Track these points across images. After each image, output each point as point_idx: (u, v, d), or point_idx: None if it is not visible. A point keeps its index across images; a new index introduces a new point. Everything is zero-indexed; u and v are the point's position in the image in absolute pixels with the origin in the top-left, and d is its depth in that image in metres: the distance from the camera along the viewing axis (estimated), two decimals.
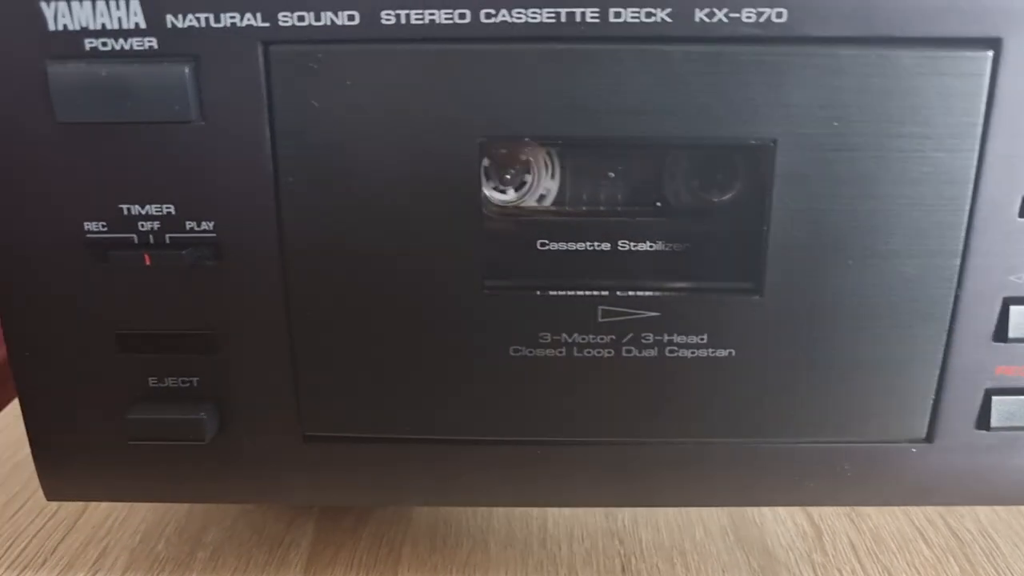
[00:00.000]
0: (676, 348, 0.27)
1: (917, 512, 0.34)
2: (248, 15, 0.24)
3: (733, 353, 0.27)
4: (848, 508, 0.35)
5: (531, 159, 0.29)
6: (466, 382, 0.27)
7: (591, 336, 0.27)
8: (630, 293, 0.27)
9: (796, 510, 0.35)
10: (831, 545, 0.33)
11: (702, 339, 0.27)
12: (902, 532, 0.33)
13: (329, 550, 0.32)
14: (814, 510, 0.35)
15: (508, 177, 0.29)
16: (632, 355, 0.27)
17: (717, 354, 0.27)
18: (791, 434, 0.28)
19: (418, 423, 0.28)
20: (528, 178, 0.29)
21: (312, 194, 0.26)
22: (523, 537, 0.33)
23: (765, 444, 0.29)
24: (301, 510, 0.34)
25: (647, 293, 0.26)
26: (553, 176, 0.29)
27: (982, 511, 0.34)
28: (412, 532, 0.33)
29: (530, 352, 0.27)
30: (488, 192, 0.29)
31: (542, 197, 0.29)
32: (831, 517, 0.34)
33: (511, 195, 0.29)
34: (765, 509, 0.35)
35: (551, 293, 0.27)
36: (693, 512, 0.34)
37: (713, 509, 0.34)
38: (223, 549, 0.32)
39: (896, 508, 0.35)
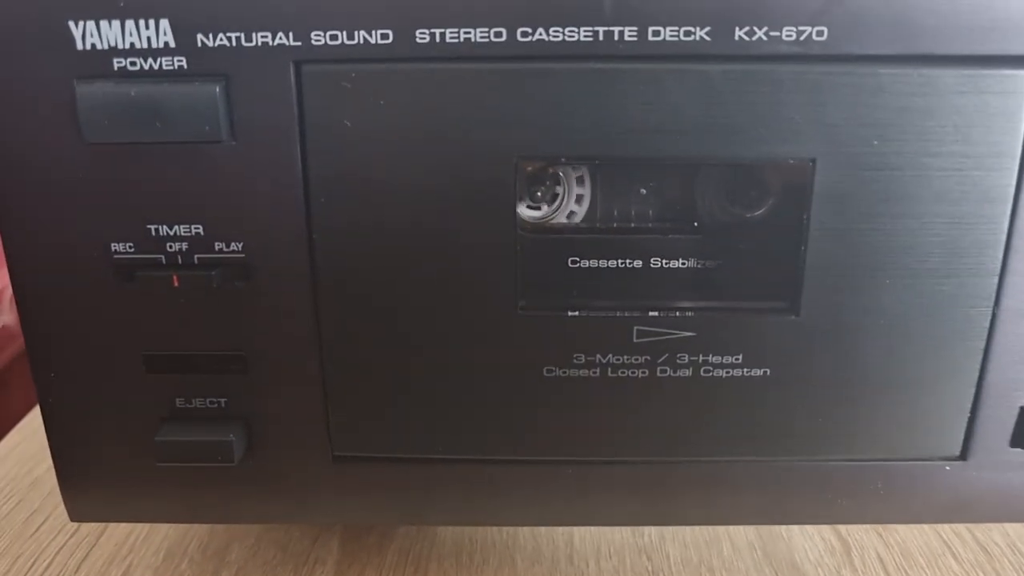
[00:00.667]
0: (711, 368, 0.27)
1: (945, 526, 0.34)
2: (280, 34, 0.24)
3: (768, 372, 0.27)
4: None
5: (562, 175, 0.28)
6: (499, 403, 0.27)
7: (625, 356, 0.27)
8: (666, 313, 0.26)
9: (823, 524, 0.35)
10: (860, 560, 0.33)
11: (737, 359, 0.27)
12: (930, 547, 0.33)
13: (355, 567, 0.32)
14: (841, 524, 0.34)
15: (539, 194, 0.28)
16: (667, 375, 0.27)
17: (752, 373, 0.27)
18: (825, 452, 0.28)
19: (449, 444, 0.28)
20: (559, 194, 0.29)
21: (344, 214, 0.25)
22: (550, 554, 0.33)
23: (799, 462, 0.28)
24: (325, 527, 0.34)
25: (683, 313, 0.26)
26: (583, 195, 0.29)
27: (1010, 524, 0.34)
28: (438, 549, 0.33)
29: (564, 372, 0.27)
30: (520, 209, 0.29)
31: (572, 214, 0.29)
32: (859, 532, 0.34)
33: (543, 211, 0.29)
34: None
35: (585, 313, 0.26)
36: (720, 527, 0.34)
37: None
38: (248, 567, 0.32)
39: None
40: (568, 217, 0.29)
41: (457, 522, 0.30)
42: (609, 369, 0.27)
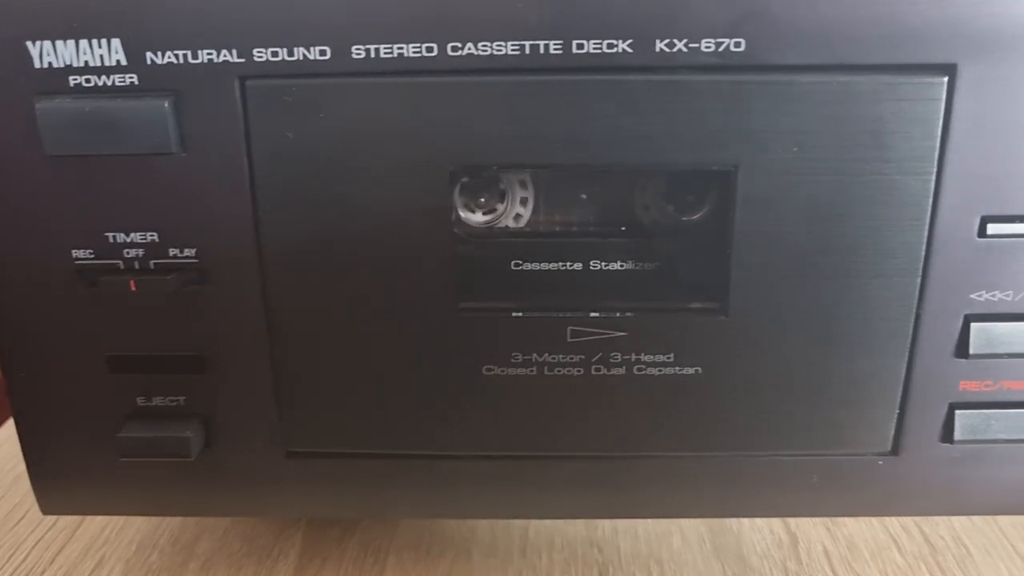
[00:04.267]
0: (644, 366, 0.28)
1: (892, 519, 0.35)
2: (224, 51, 0.25)
3: (700, 371, 0.28)
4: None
5: (505, 182, 0.30)
6: (441, 400, 0.28)
7: (561, 356, 0.28)
8: (598, 313, 0.27)
9: (763, 517, 0.35)
10: (806, 553, 0.33)
11: (669, 358, 0.28)
12: (876, 540, 0.34)
13: (316, 561, 0.33)
14: (780, 517, 0.35)
15: (483, 200, 0.30)
16: (601, 373, 0.28)
17: (684, 372, 0.28)
18: (760, 447, 0.29)
19: (396, 440, 0.29)
20: (503, 200, 0.30)
21: (290, 221, 0.27)
22: (505, 547, 0.34)
23: (734, 457, 0.29)
24: (290, 521, 0.35)
25: (615, 313, 0.27)
26: (527, 198, 0.30)
27: (957, 518, 0.35)
28: (397, 542, 0.34)
29: (503, 371, 0.28)
30: (464, 214, 0.30)
31: (517, 217, 0.30)
32: (807, 525, 0.35)
33: (487, 216, 0.30)
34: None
35: (522, 314, 0.28)
36: (671, 520, 0.35)
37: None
38: (214, 560, 0.33)
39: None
40: (513, 222, 0.30)
41: (407, 515, 0.31)
42: (546, 368, 0.28)
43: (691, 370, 0.28)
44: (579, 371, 0.28)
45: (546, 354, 0.28)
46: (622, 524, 0.35)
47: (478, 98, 0.25)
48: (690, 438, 0.29)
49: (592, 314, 0.27)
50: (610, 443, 0.29)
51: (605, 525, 0.35)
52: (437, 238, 0.27)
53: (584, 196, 0.30)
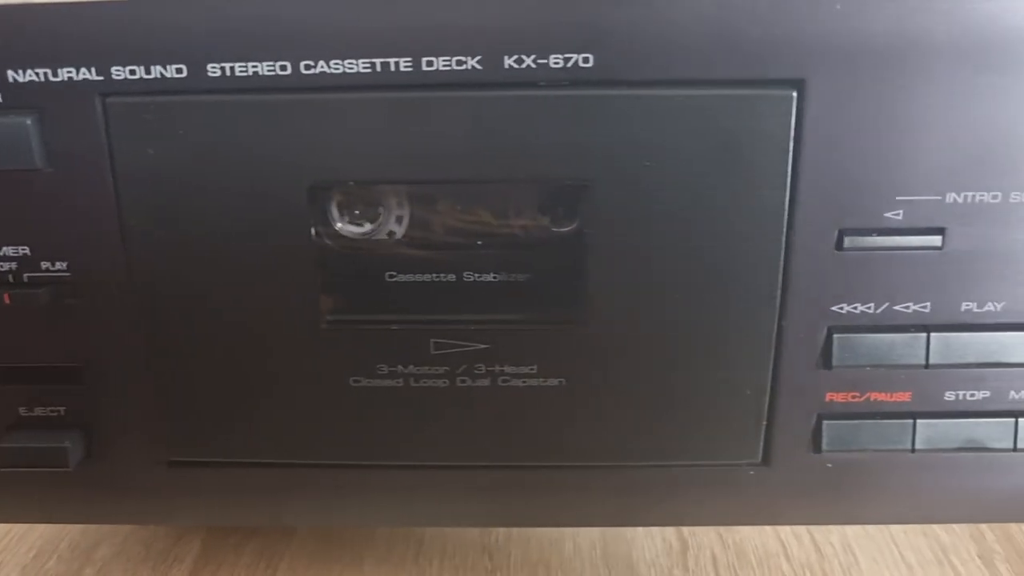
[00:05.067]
0: (508, 378, 0.28)
1: (784, 527, 0.35)
2: (84, 69, 0.26)
3: (564, 382, 0.28)
4: None
5: (380, 194, 0.30)
6: (311, 411, 0.29)
7: (426, 367, 0.28)
8: (461, 326, 0.28)
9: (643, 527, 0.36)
10: (694, 560, 0.34)
11: (532, 369, 0.28)
12: (766, 546, 0.34)
13: (211, 566, 0.34)
14: (657, 527, 0.36)
15: (357, 213, 0.30)
16: (467, 385, 0.28)
17: (548, 383, 0.28)
18: (632, 458, 0.29)
19: (272, 450, 0.29)
20: (380, 212, 0.30)
21: (155, 236, 0.27)
22: (400, 553, 0.34)
23: (610, 468, 0.30)
24: (191, 527, 0.36)
25: (474, 326, 0.28)
26: (403, 210, 0.30)
27: (848, 526, 0.35)
28: (294, 549, 0.35)
29: (369, 382, 0.28)
30: (341, 226, 0.30)
31: (394, 229, 0.30)
32: (701, 532, 0.35)
33: (366, 228, 0.30)
34: None
35: (386, 326, 0.28)
36: (567, 528, 0.36)
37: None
38: (111, 565, 0.34)
39: None
40: (391, 233, 0.30)
41: (291, 523, 0.32)
42: (411, 379, 0.28)
43: (555, 381, 0.28)
44: (444, 383, 0.28)
45: (411, 366, 0.28)
46: (516, 531, 0.35)
47: (331, 115, 0.26)
48: (561, 449, 0.29)
49: (454, 326, 0.28)
50: (482, 454, 0.29)
51: (500, 532, 0.35)
52: (297, 253, 0.27)
53: (459, 208, 0.30)
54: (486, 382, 0.28)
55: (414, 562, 0.34)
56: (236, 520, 0.31)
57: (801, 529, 0.35)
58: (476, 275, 0.29)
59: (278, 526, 0.35)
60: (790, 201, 0.26)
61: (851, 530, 0.35)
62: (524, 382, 0.28)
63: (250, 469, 0.30)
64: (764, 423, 0.29)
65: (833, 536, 0.35)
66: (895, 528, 0.35)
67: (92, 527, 0.36)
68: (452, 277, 0.29)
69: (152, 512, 0.31)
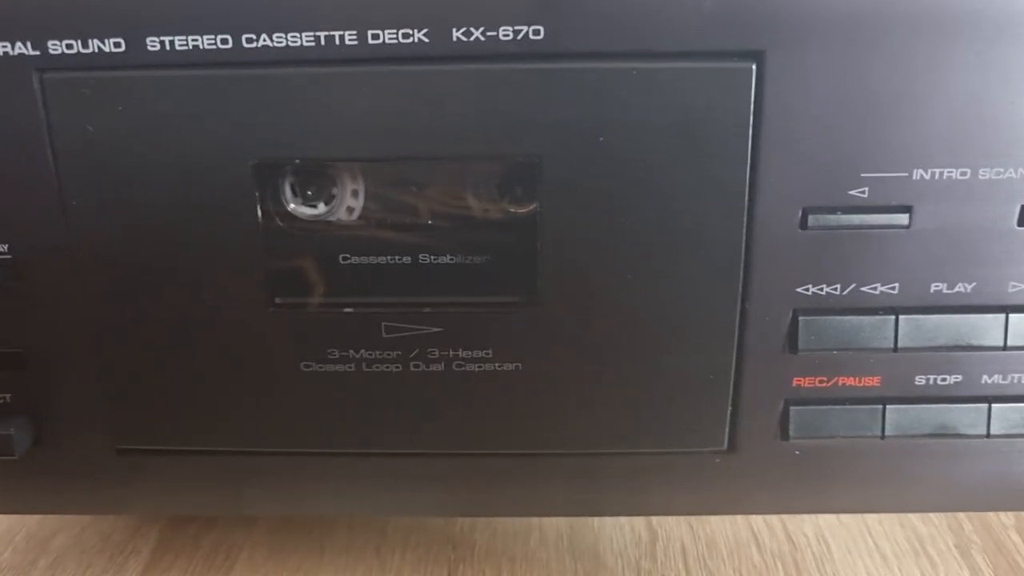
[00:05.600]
0: (463, 362, 0.27)
1: (757, 517, 0.35)
2: (19, 44, 0.25)
3: (520, 367, 0.27)
4: None
5: (335, 175, 0.29)
6: (262, 396, 0.28)
7: (378, 352, 0.27)
8: (412, 309, 0.27)
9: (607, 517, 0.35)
10: (663, 551, 0.33)
11: (487, 353, 0.27)
12: (737, 537, 0.34)
13: (168, 557, 0.33)
14: (618, 516, 0.35)
15: (310, 193, 0.29)
16: (420, 370, 0.27)
17: (504, 368, 0.27)
18: (592, 446, 0.29)
19: (221, 436, 0.29)
20: (336, 192, 0.29)
21: (98, 216, 0.26)
22: (361, 543, 0.34)
23: (572, 456, 0.29)
24: (149, 517, 0.35)
25: (427, 309, 0.27)
26: (358, 190, 0.29)
27: (823, 516, 0.34)
28: (254, 539, 0.34)
29: (320, 367, 0.28)
30: (295, 207, 0.29)
31: (350, 210, 0.29)
32: (670, 522, 0.34)
33: (320, 209, 0.29)
34: None
35: (337, 309, 0.27)
36: (533, 517, 0.35)
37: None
38: (65, 557, 0.33)
39: None
40: (346, 214, 0.30)
41: (242, 512, 0.31)
42: (364, 364, 0.27)
43: (511, 366, 0.27)
44: (397, 367, 0.27)
45: (363, 350, 0.27)
46: (482, 521, 0.35)
47: (275, 90, 0.25)
48: (518, 436, 0.28)
49: (408, 309, 0.27)
50: (438, 441, 0.28)
51: (464, 522, 0.35)
52: (243, 234, 0.26)
53: (414, 188, 0.29)
54: (440, 367, 0.27)
55: (375, 553, 0.33)
56: (189, 509, 0.31)
57: (773, 519, 0.34)
58: (432, 257, 0.28)
59: (235, 516, 0.34)
60: (751, 179, 0.25)
61: (824, 520, 0.34)
62: (479, 367, 0.27)
63: (201, 457, 0.29)
64: (729, 409, 0.28)
65: (806, 526, 0.34)
66: (870, 518, 0.34)
67: (50, 518, 0.35)
68: (407, 259, 0.28)
69: (102, 501, 0.30)
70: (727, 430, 0.28)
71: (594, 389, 0.28)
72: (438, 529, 0.34)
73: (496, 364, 0.27)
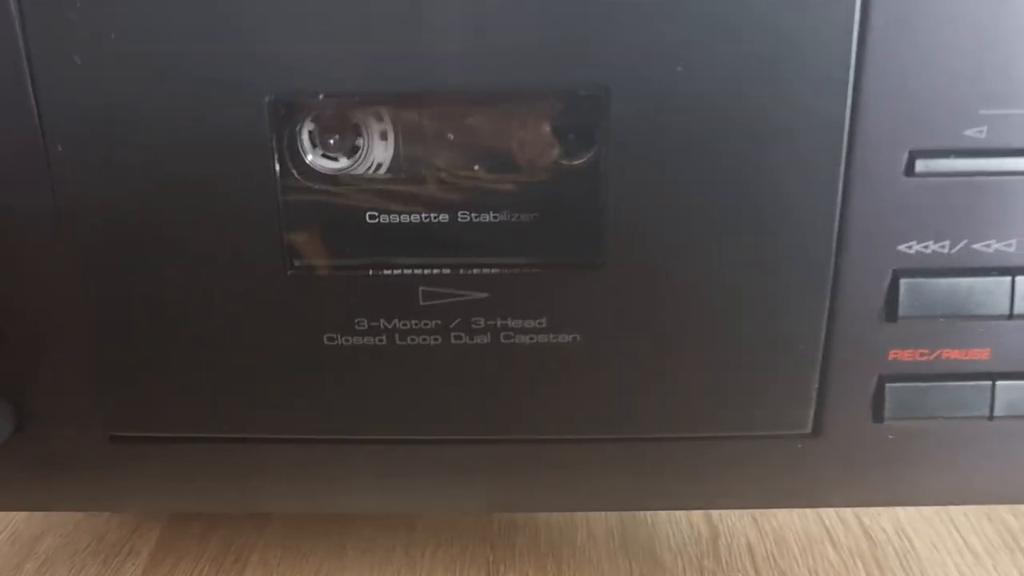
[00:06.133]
0: (512, 333, 0.24)
1: (830, 510, 0.31)
2: None
3: (578, 338, 0.24)
4: None
5: (360, 121, 0.25)
6: (277, 374, 0.24)
7: (413, 321, 0.24)
8: (453, 271, 0.23)
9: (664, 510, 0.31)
10: (726, 549, 0.29)
11: (541, 323, 0.24)
12: (808, 532, 0.30)
13: (170, 559, 0.29)
14: (683, 510, 0.31)
15: (333, 143, 0.25)
16: (463, 342, 0.24)
17: (560, 339, 0.24)
18: (656, 429, 0.25)
19: (230, 421, 0.25)
20: (360, 143, 0.26)
21: (86, 166, 0.22)
22: (387, 543, 0.30)
23: (629, 442, 0.25)
24: (149, 516, 0.31)
25: (473, 271, 0.23)
26: (387, 139, 0.25)
27: (901, 508, 0.31)
28: (265, 538, 0.30)
29: (347, 340, 0.24)
30: (313, 159, 0.26)
31: (377, 163, 0.26)
32: (732, 516, 0.31)
33: (343, 163, 0.26)
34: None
35: (366, 273, 0.23)
36: (579, 513, 0.31)
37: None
38: (55, 559, 0.29)
39: None
40: (373, 167, 0.26)
41: (251, 509, 0.27)
42: (397, 336, 0.24)
43: (568, 337, 0.24)
44: (436, 339, 0.24)
45: (396, 320, 0.24)
46: (522, 517, 0.31)
47: (293, 11, 0.21)
48: (574, 419, 0.25)
49: (447, 271, 0.23)
50: (480, 426, 0.25)
51: (503, 518, 0.31)
52: (257, 186, 0.22)
53: (452, 136, 0.26)
54: (486, 338, 0.24)
55: (404, 552, 0.30)
56: (193, 506, 0.27)
57: (847, 512, 0.31)
58: (474, 214, 0.25)
59: (242, 512, 0.31)
60: (851, 115, 0.22)
61: (904, 513, 0.31)
62: (531, 338, 0.24)
63: (206, 445, 0.25)
64: (816, 386, 0.25)
65: (884, 519, 0.31)
66: (954, 510, 0.31)
67: (38, 515, 0.31)
68: (445, 217, 0.25)
69: (94, 496, 0.26)
70: (812, 410, 0.25)
71: (662, 364, 0.24)
72: (472, 526, 0.31)
73: (551, 335, 0.24)
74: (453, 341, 0.24)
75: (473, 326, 0.24)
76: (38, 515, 0.32)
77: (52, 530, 0.31)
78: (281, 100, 0.22)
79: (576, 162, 0.24)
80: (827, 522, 0.30)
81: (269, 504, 0.26)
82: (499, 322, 0.23)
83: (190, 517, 0.31)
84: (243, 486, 0.26)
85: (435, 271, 0.23)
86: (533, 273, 0.23)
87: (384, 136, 0.25)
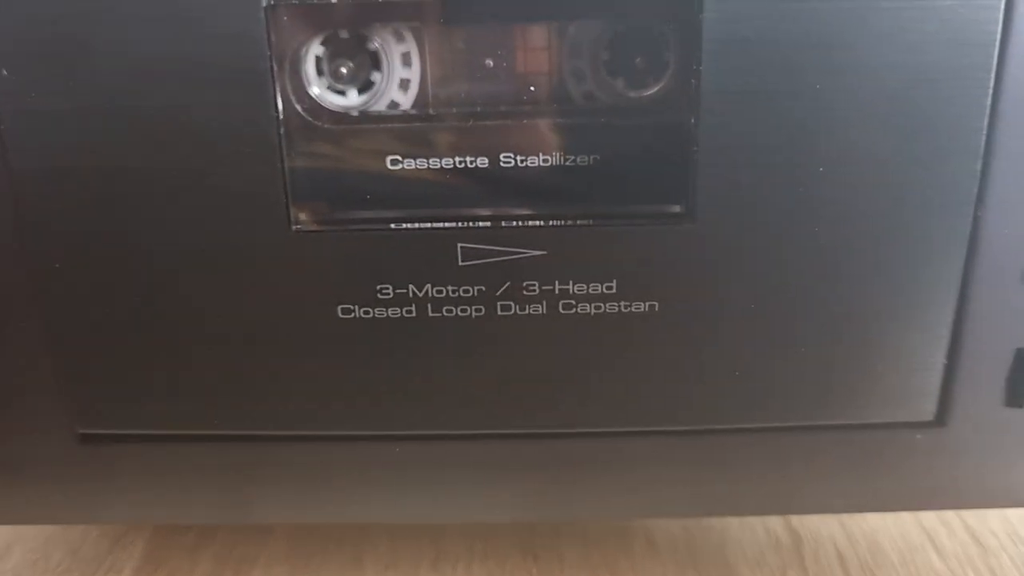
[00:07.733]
0: (573, 302, 0.19)
1: (928, 512, 0.27)
2: None
3: (656, 307, 0.19)
4: None
5: (379, 47, 0.21)
6: (279, 356, 0.20)
7: (451, 288, 0.19)
8: (504, 224, 0.19)
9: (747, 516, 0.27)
10: (812, 558, 0.25)
11: (610, 288, 0.19)
12: (907, 538, 0.26)
13: None
14: (770, 515, 0.27)
15: (344, 72, 0.21)
16: (511, 313, 0.19)
17: (634, 309, 0.19)
18: (745, 418, 0.21)
19: (221, 416, 0.20)
20: (377, 76, 0.21)
21: (42, 94, 0.18)
22: (411, 556, 0.26)
23: (710, 433, 0.21)
24: (132, 526, 0.27)
25: (528, 223, 0.19)
26: (412, 69, 0.21)
27: (1010, 509, 0.27)
28: (269, 550, 0.26)
29: (366, 313, 0.19)
30: (320, 92, 0.21)
31: (395, 103, 0.21)
32: (814, 521, 0.26)
33: (354, 99, 0.21)
34: None
35: (390, 227, 0.19)
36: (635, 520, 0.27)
37: None
38: None
39: None
40: (391, 106, 0.21)
41: (247, 519, 0.23)
42: (430, 305, 0.19)
43: (643, 306, 0.19)
44: (479, 310, 0.19)
45: (429, 286, 0.19)
46: (565, 526, 0.27)
47: None
48: (646, 406, 0.20)
49: (490, 225, 0.19)
50: (530, 417, 0.20)
51: (545, 526, 0.27)
52: (253, 119, 0.18)
53: (490, 63, 0.21)
54: (540, 308, 0.19)
55: (432, 568, 0.25)
56: (177, 517, 0.23)
57: (950, 514, 0.27)
58: (520, 158, 0.20)
59: (237, 523, 0.26)
60: (1003, 29, 0.17)
61: (1015, 514, 0.27)
62: (597, 307, 0.19)
63: (193, 444, 0.21)
64: (943, 363, 0.20)
65: (993, 522, 0.26)
66: None
67: (3, 527, 0.27)
68: (484, 162, 0.20)
69: (64, 507, 0.22)
70: (937, 394, 0.21)
71: (756, 337, 0.20)
72: (510, 536, 0.26)
73: (622, 304, 0.19)
74: (499, 312, 0.19)
75: (525, 292, 0.19)
76: (3, 528, 0.27)
77: (19, 543, 0.26)
78: (281, 4, 0.18)
79: (655, 91, 0.19)
80: (926, 525, 0.26)
81: (269, 514, 0.22)
82: (557, 287, 0.19)
83: (180, 527, 0.27)
84: (236, 493, 0.21)
85: (477, 228, 0.19)
86: (602, 228, 0.19)
87: (407, 61, 0.20)
